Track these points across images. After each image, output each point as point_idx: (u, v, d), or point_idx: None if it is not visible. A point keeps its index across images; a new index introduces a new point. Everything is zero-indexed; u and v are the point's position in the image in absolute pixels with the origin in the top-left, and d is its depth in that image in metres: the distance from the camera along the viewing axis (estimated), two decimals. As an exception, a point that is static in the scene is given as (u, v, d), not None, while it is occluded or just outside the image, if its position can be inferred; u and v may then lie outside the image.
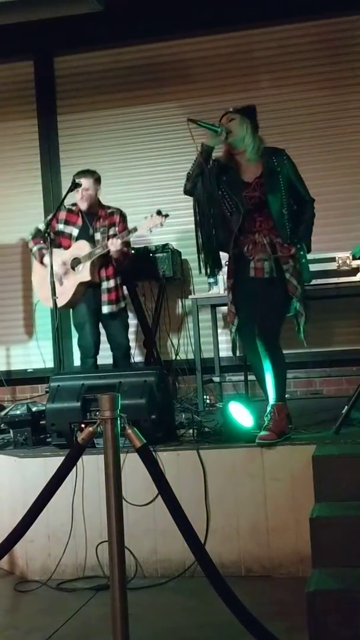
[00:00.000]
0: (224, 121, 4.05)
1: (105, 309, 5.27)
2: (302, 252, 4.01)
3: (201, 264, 4.11)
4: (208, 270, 4.15)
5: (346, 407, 3.92)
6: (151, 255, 5.87)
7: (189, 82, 6.37)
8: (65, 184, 5.95)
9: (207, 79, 6.33)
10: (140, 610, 3.25)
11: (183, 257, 6.13)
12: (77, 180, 5.22)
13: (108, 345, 5.44)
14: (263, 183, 3.97)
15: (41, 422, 4.30)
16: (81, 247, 5.26)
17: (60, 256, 5.29)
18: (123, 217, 5.32)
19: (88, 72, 6.56)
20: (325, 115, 6.10)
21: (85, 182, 5.25)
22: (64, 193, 5.61)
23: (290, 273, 3.94)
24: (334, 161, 6.08)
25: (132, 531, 3.62)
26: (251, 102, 4.31)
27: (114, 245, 5.10)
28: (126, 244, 5.28)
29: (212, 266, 4.14)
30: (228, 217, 4.04)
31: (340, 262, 5.28)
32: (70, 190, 5.32)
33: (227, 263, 4.18)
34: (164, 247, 5.91)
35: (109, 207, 5.36)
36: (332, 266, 5.27)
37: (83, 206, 5.30)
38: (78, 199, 5.30)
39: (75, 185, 5.30)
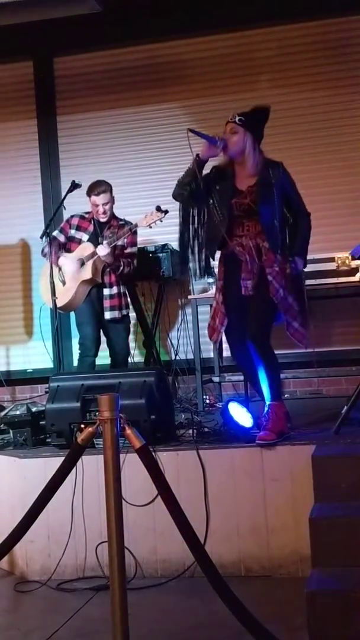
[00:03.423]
0: (227, 129, 4.02)
1: (107, 315, 5.30)
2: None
3: (187, 268, 4.23)
4: (201, 272, 4.22)
5: (346, 407, 3.92)
6: (150, 255, 5.87)
7: (189, 82, 6.36)
8: (65, 185, 5.95)
9: (207, 79, 6.32)
10: (140, 610, 3.25)
11: (183, 258, 6.12)
12: (92, 201, 5.27)
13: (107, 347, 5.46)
14: (254, 192, 4.00)
15: (41, 423, 4.30)
16: (85, 249, 5.30)
17: (66, 259, 5.32)
18: (132, 230, 5.31)
19: (87, 73, 6.55)
20: (326, 115, 6.09)
21: (104, 197, 5.28)
22: (63, 194, 5.64)
23: (273, 277, 3.95)
24: (334, 161, 6.07)
25: (131, 531, 3.62)
26: (251, 102, 4.28)
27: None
28: (131, 255, 5.34)
29: (206, 268, 4.19)
30: (216, 223, 4.07)
31: (339, 262, 5.28)
32: (70, 191, 5.35)
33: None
34: (163, 248, 5.91)
35: (120, 219, 5.40)
36: (331, 266, 5.27)
37: (104, 220, 5.32)
38: (98, 215, 5.31)
39: (74, 187, 5.32)
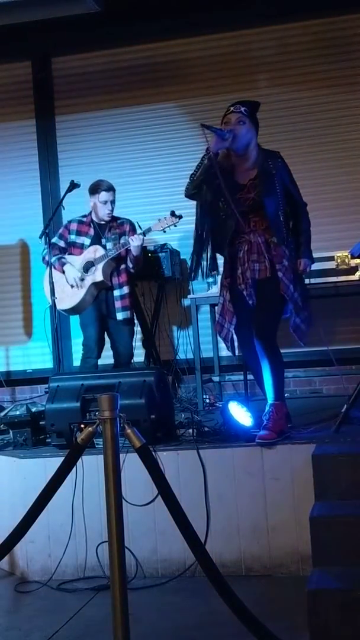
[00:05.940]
0: (233, 119, 3.96)
1: (119, 316, 5.29)
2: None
3: (200, 265, 4.10)
4: (205, 272, 4.13)
5: (346, 405, 3.92)
6: (150, 255, 5.87)
7: (187, 82, 6.36)
8: (64, 184, 5.95)
9: (206, 78, 6.31)
10: (141, 611, 3.25)
11: (182, 257, 6.13)
12: (101, 197, 5.25)
13: (109, 347, 5.46)
14: (258, 185, 3.97)
15: (41, 423, 4.30)
16: (93, 251, 5.28)
17: (73, 262, 5.31)
18: (133, 226, 5.34)
19: (86, 73, 6.55)
20: (325, 114, 6.09)
21: (111, 195, 5.29)
22: (62, 193, 5.63)
23: (283, 272, 3.94)
24: (333, 160, 6.07)
25: (132, 531, 3.63)
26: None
27: (136, 239, 5.11)
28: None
29: (211, 267, 4.13)
30: (222, 220, 4.01)
31: (338, 260, 5.27)
32: (69, 191, 5.35)
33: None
34: (163, 247, 5.91)
35: (119, 218, 5.39)
36: (331, 265, 5.27)
37: (108, 218, 5.32)
38: (103, 214, 5.30)
39: (73, 186, 5.32)
